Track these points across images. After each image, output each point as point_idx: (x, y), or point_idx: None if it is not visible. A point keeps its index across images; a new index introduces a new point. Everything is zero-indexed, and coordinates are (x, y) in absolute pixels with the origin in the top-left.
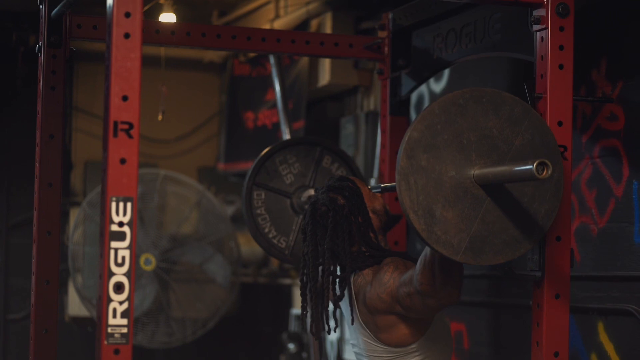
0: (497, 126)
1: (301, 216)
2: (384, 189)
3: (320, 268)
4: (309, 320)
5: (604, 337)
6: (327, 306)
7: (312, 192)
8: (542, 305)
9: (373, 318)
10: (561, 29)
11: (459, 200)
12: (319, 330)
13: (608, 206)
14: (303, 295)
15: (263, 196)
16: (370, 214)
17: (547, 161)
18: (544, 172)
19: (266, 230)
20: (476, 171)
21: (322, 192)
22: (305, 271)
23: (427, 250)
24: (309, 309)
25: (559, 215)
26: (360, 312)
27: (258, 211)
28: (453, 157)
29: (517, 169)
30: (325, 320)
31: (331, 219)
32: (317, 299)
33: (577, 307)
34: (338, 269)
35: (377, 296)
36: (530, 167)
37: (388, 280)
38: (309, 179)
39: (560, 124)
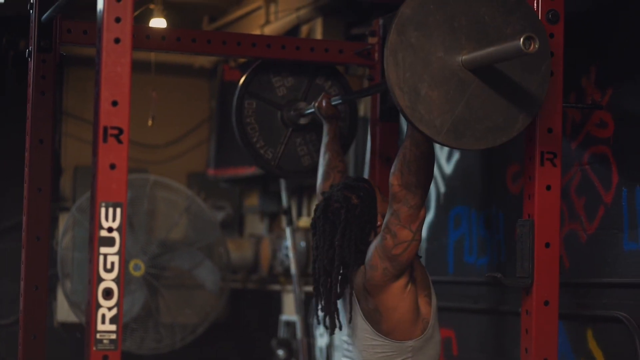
0: (489, 13)
1: (292, 129)
2: (344, 99)
3: (328, 265)
4: (321, 314)
5: (592, 344)
6: (335, 302)
7: (303, 105)
8: (532, 312)
9: (375, 303)
10: (551, 35)
11: (445, 82)
12: (333, 325)
13: (597, 213)
14: (316, 290)
15: (254, 105)
16: (380, 219)
17: (533, 35)
18: (532, 47)
19: (254, 139)
20: (464, 55)
21: (337, 189)
22: (316, 265)
23: (399, 152)
24: (321, 304)
25: (548, 222)
26: (363, 308)
27: (248, 120)
28: (443, 39)
29: (504, 45)
30: (335, 317)
31: (343, 216)
32: (329, 295)
33: (566, 313)
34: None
35: (369, 267)
36: (517, 42)
37: (372, 248)
38: (302, 93)
39: (549, 130)
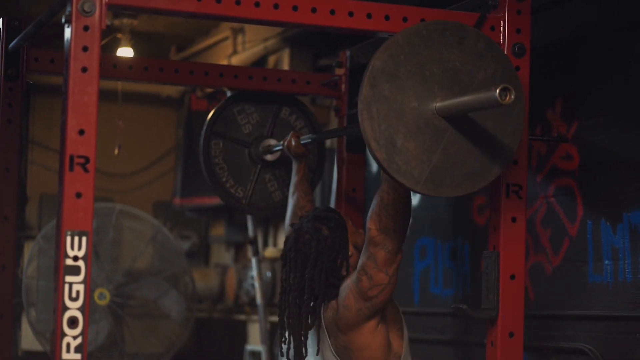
0: (460, 59)
1: (261, 165)
2: (315, 139)
3: (298, 297)
4: (284, 347)
5: None
6: (305, 334)
7: (271, 141)
8: (497, 344)
9: (346, 341)
10: (517, 68)
11: (420, 132)
12: (300, 357)
13: (562, 245)
14: (281, 322)
15: (221, 145)
16: (352, 249)
17: (509, 86)
18: (507, 98)
19: (224, 179)
20: (438, 103)
21: (307, 220)
22: (283, 297)
23: (376, 198)
24: (287, 337)
25: (513, 254)
26: (333, 343)
27: (216, 160)
28: (415, 88)
29: (480, 95)
30: (297, 349)
31: (314, 248)
32: (297, 327)
33: (531, 345)
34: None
35: (342, 307)
36: (493, 92)
37: (345, 286)
38: (268, 129)
39: (515, 162)
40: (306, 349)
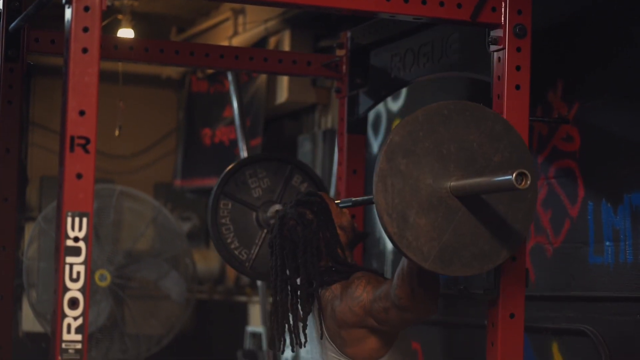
0: (478, 140)
1: (267, 230)
2: (355, 203)
3: (289, 282)
4: (272, 335)
5: (558, 357)
6: (301, 320)
7: (278, 207)
8: (497, 325)
9: (341, 332)
10: (518, 49)
11: (433, 209)
12: (281, 345)
13: (563, 226)
14: (273, 309)
15: (230, 206)
16: (338, 230)
17: (526, 172)
18: (523, 183)
19: (229, 240)
20: (452, 182)
21: (290, 207)
22: (273, 285)
23: (403, 263)
24: (279, 324)
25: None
26: (327, 327)
27: (223, 220)
28: (432, 166)
29: (496, 179)
30: (296, 335)
31: (300, 233)
32: (286, 314)
33: (531, 326)
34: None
35: (349, 309)
36: (509, 177)
37: (361, 294)
38: (277, 194)
39: None
40: (299, 337)
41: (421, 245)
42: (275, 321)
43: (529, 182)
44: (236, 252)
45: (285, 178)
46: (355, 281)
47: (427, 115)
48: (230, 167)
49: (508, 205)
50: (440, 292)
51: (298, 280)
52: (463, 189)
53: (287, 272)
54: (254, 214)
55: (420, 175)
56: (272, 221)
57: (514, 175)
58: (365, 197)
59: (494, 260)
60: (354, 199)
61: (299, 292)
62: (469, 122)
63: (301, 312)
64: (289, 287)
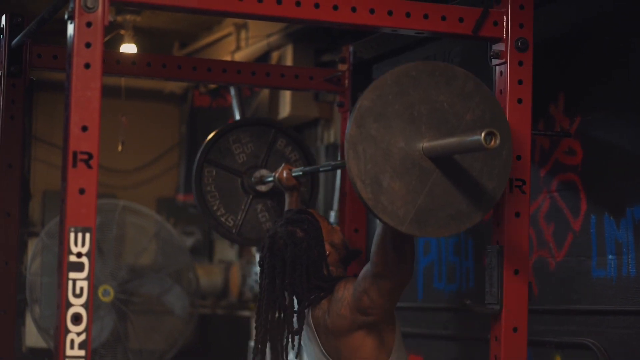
0: (449, 100)
1: (253, 196)
2: (305, 172)
3: (278, 301)
4: (254, 353)
5: None
6: (290, 340)
7: (263, 172)
8: (500, 338)
9: (338, 343)
10: (520, 63)
11: (406, 172)
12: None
13: (566, 240)
14: (258, 328)
15: (214, 173)
16: (329, 248)
17: (495, 131)
18: (492, 142)
19: (215, 208)
20: (425, 144)
21: (280, 225)
22: (261, 304)
23: (379, 230)
24: (263, 343)
25: (517, 249)
26: (323, 343)
27: (208, 188)
28: (403, 129)
29: (465, 139)
30: (285, 354)
31: (289, 253)
32: (276, 333)
33: (534, 340)
34: (295, 302)
35: (336, 315)
36: (478, 137)
37: (342, 294)
38: (262, 159)
39: (518, 157)
40: (286, 356)
41: (397, 209)
42: (264, 340)
43: (497, 141)
44: (222, 219)
45: (270, 142)
46: (336, 289)
47: (396, 78)
48: (212, 134)
49: (483, 162)
50: (414, 256)
51: (289, 300)
52: (435, 150)
53: (276, 291)
54: (239, 180)
55: (392, 139)
56: (261, 188)
57: (482, 135)
58: (314, 166)
59: (471, 219)
60: (304, 168)
61: (287, 311)
62: (438, 82)
63: (287, 332)
64: (277, 306)
